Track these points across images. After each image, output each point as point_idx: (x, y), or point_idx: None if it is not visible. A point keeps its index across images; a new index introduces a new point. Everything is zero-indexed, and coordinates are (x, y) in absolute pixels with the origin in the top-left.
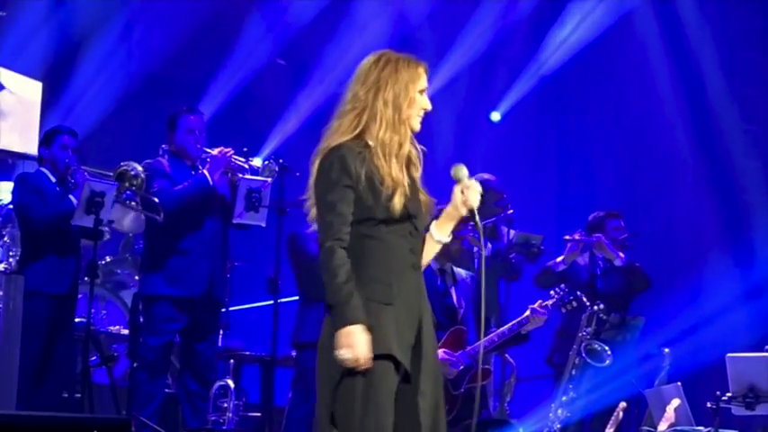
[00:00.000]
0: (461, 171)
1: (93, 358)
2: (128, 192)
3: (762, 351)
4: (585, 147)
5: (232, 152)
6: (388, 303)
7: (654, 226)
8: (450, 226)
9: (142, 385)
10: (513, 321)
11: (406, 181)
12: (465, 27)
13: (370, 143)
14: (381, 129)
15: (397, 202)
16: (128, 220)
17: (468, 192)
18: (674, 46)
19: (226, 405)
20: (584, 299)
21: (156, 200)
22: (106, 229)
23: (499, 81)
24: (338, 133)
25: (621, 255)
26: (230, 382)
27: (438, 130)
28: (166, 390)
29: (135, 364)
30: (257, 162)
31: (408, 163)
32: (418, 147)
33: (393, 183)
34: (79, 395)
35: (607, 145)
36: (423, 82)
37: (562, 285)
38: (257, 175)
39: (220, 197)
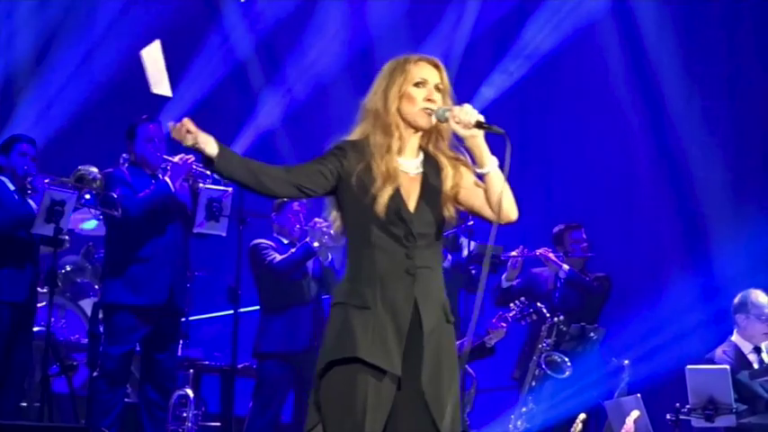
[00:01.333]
0: (439, 111)
1: (53, 367)
2: (86, 197)
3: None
4: (546, 157)
5: (193, 159)
6: (364, 307)
7: (613, 237)
8: (483, 152)
9: (102, 395)
10: (471, 336)
11: (393, 182)
12: (428, 37)
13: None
14: (375, 128)
15: (381, 203)
16: None
17: (461, 116)
18: (635, 57)
19: (185, 415)
20: (545, 310)
21: (115, 195)
22: (66, 237)
23: (462, 91)
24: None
25: (565, 267)
26: (190, 392)
27: None
28: (126, 399)
29: (94, 374)
30: None
31: (433, 164)
32: (449, 151)
33: (381, 181)
34: (38, 404)
35: (568, 156)
36: (416, 74)
37: (522, 298)
38: (219, 182)
39: (181, 205)
